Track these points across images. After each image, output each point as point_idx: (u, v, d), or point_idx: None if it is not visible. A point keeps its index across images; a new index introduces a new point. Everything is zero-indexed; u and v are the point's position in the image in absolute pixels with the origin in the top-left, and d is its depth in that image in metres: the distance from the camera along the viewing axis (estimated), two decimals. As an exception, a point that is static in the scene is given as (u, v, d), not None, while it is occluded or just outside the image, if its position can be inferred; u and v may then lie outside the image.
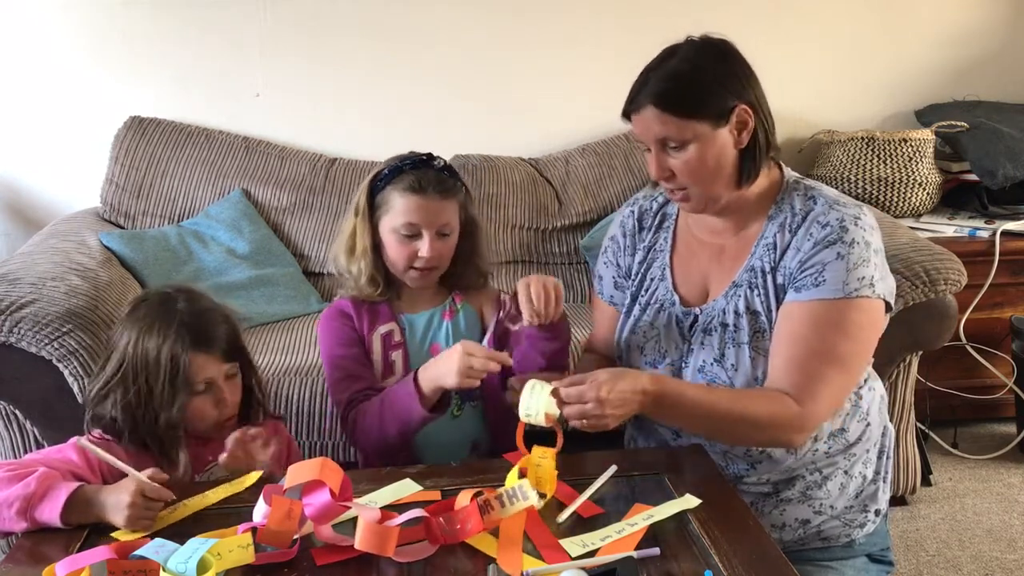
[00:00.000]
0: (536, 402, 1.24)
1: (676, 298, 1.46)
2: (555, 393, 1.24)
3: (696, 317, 1.43)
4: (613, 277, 1.56)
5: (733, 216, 1.43)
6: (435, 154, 1.53)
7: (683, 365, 1.43)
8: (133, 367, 1.35)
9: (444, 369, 1.37)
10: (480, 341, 1.57)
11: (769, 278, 1.38)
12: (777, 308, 1.37)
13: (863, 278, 1.31)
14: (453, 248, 1.54)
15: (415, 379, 1.42)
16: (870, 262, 1.33)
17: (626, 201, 1.62)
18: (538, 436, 1.31)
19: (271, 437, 1.39)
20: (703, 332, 1.41)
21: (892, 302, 1.38)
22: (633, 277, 1.53)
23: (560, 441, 1.27)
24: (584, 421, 1.23)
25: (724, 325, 1.39)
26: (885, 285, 1.35)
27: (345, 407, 1.51)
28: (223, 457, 1.35)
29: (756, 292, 1.38)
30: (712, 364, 1.40)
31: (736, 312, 1.39)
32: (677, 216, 1.52)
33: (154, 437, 1.35)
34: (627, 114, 1.38)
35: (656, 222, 1.53)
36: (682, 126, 1.31)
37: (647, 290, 1.50)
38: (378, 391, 1.50)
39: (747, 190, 1.39)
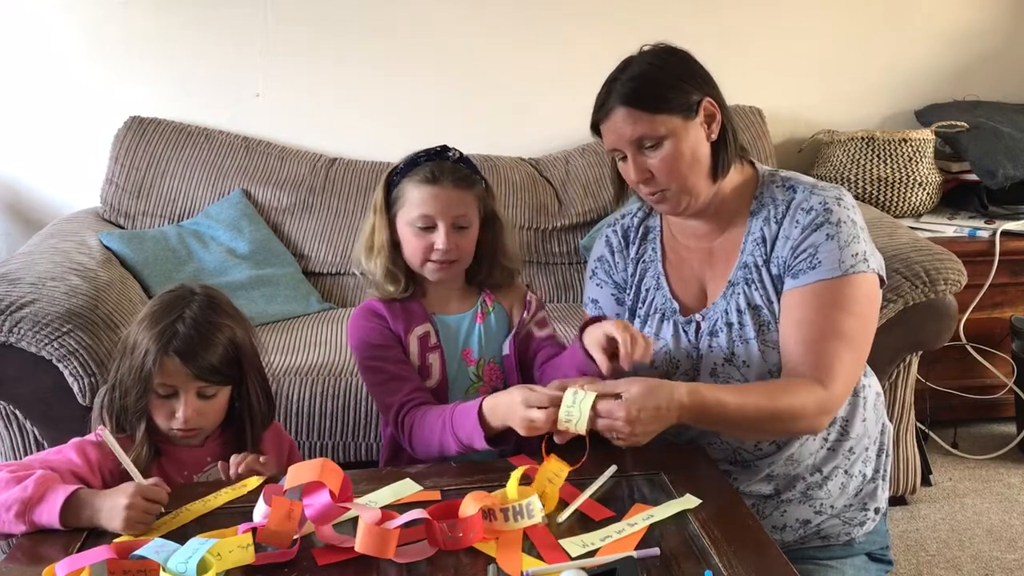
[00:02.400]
0: (580, 410, 1.19)
1: (676, 305, 1.46)
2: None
3: (698, 324, 1.43)
4: (612, 294, 1.54)
5: (714, 217, 1.44)
6: (450, 146, 1.51)
7: (696, 373, 1.43)
8: (123, 345, 1.38)
9: (507, 416, 1.29)
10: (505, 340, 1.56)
11: (764, 271, 1.39)
12: (777, 300, 1.37)
13: (856, 254, 1.33)
14: (473, 242, 1.51)
15: (480, 409, 1.33)
16: (859, 238, 1.35)
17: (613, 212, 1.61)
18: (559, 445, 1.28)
19: (247, 462, 1.35)
20: (709, 335, 1.42)
21: (884, 276, 1.39)
22: (628, 290, 1.53)
23: (585, 457, 1.24)
24: (615, 437, 1.21)
25: (729, 325, 1.40)
26: (876, 260, 1.38)
27: (396, 412, 1.45)
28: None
29: (754, 287, 1.39)
30: (724, 364, 1.40)
31: (738, 310, 1.39)
32: (661, 227, 1.52)
33: (124, 416, 1.35)
34: (596, 125, 1.40)
35: (640, 235, 1.54)
36: (654, 122, 1.33)
37: (644, 301, 1.50)
38: (425, 391, 1.47)
39: (723, 187, 1.40)
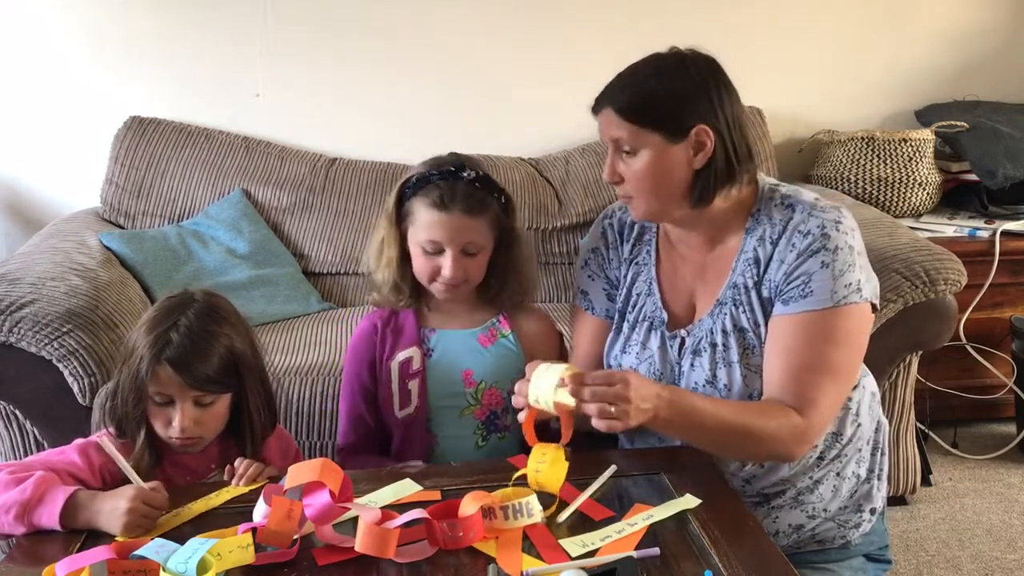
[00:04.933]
0: (547, 382, 1.16)
1: (665, 316, 1.43)
2: (572, 380, 1.16)
3: (683, 340, 1.41)
4: (603, 289, 1.52)
5: (706, 231, 1.40)
6: (468, 163, 1.46)
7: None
8: (125, 348, 1.37)
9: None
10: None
11: (753, 293, 1.36)
12: (764, 323, 1.35)
13: (849, 284, 1.30)
14: (482, 265, 1.47)
15: None
16: (855, 266, 1.31)
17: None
18: (552, 436, 1.26)
19: (251, 470, 1.34)
20: (692, 354, 1.39)
21: (878, 303, 1.37)
22: (619, 290, 1.50)
23: (567, 435, 1.20)
24: (606, 422, 1.15)
25: (713, 345, 1.37)
26: (871, 287, 1.34)
27: (340, 452, 1.58)
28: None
29: (741, 309, 1.36)
30: (705, 385, 1.38)
31: (724, 331, 1.37)
32: (657, 229, 1.49)
33: (125, 421, 1.34)
34: (594, 112, 1.39)
35: (635, 234, 1.50)
36: (635, 133, 1.31)
37: (634, 306, 1.47)
38: (376, 444, 1.53)
39: (714, 205, 1.36)
